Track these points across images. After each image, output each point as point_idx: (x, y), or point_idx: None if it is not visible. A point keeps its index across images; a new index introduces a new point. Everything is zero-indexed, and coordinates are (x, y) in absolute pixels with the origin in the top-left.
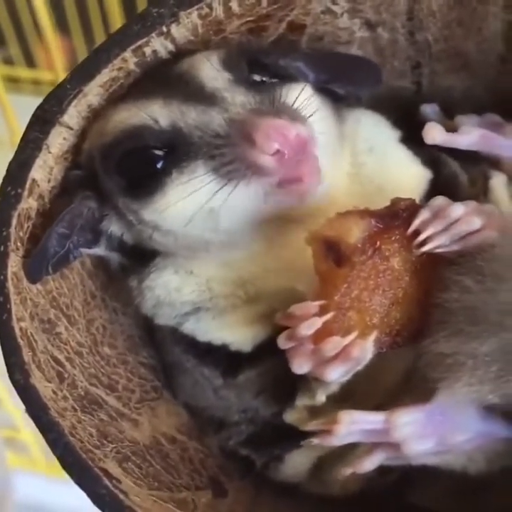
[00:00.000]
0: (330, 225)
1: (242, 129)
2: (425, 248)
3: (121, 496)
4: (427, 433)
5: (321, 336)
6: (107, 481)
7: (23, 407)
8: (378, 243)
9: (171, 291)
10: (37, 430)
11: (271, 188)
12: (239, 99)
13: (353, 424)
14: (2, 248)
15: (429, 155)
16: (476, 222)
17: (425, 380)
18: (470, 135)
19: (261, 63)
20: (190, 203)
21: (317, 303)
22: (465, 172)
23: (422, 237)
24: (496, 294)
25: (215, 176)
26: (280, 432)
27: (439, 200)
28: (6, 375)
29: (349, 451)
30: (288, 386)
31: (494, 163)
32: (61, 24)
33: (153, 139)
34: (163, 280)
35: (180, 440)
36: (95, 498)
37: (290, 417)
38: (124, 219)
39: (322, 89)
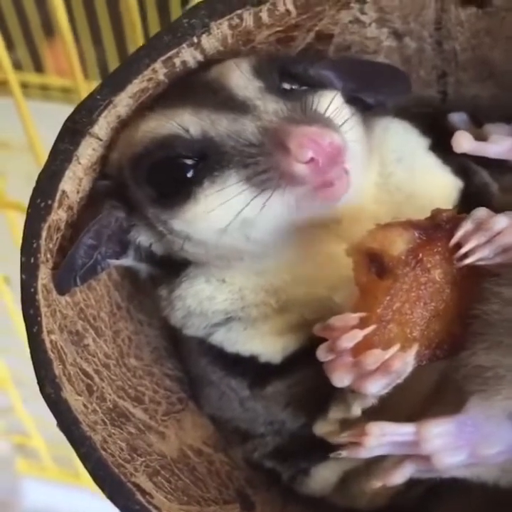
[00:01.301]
0: (373, 236)
1: (275, 138)
2: (467, 261)
3: None
4: (458, 445)
5: (360, 348)
6: (140, 497)
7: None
8: (420, 255)
9: (202, 300)
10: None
11: (303, 196)
12: (271, 107)
13: (383, 436)
14: (32, 260)
15: (459, 164)
16: None
17: (459, 391)
18: (500, 144)
19: (290, 72)
20: (223, 212)
21: (358, 315)
22: (495, 181)
23: (464, 249)
24: None
25: (248, 185)
26: (306, 444)
27: (481, 212)
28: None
29: (376, 465)
30: (317, 398)
31: None
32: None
33: (184, 149)
34: (195, 289)
35: (207, 452)
36: None
37: (320, 429)
38: (153, 229)
39: (350, 98)
